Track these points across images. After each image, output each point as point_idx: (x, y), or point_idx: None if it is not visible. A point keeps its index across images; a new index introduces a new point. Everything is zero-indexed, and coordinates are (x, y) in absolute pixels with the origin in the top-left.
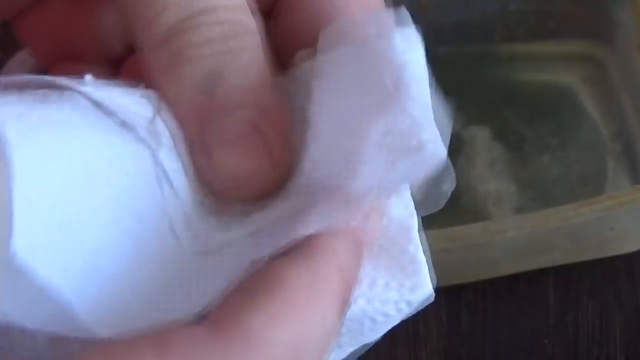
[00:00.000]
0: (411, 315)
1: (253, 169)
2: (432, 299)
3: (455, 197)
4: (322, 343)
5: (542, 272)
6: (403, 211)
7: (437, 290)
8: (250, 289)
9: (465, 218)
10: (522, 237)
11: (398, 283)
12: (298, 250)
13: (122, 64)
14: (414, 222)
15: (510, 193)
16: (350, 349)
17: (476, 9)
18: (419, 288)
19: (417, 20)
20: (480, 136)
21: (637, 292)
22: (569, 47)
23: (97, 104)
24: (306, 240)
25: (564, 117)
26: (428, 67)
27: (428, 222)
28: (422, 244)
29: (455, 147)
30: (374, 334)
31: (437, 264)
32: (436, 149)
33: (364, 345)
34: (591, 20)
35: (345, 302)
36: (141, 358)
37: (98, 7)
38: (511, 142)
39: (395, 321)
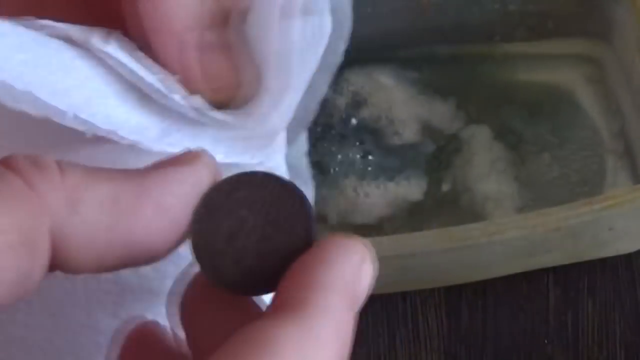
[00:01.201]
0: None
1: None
2: None
3: (455, 197)
4: None
5: (542, 271)
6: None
7: (437, 290)
8: (237, 352)
9: (465, 218)
10: (522, 237)
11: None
12: (290, 306)
13: None
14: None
15: (510, 193)
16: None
17: (476, 9)
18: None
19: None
20: (480, 136)
21: (637, 291)
22: (568, 47)
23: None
24: (298, 294)
25: (563, 117)
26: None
27: (428, 222)
28: None
29: (455, 147)
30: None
31: (438, 264)
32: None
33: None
34: (591, 20)
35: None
36: None
37: None
38: (511, 142)
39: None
